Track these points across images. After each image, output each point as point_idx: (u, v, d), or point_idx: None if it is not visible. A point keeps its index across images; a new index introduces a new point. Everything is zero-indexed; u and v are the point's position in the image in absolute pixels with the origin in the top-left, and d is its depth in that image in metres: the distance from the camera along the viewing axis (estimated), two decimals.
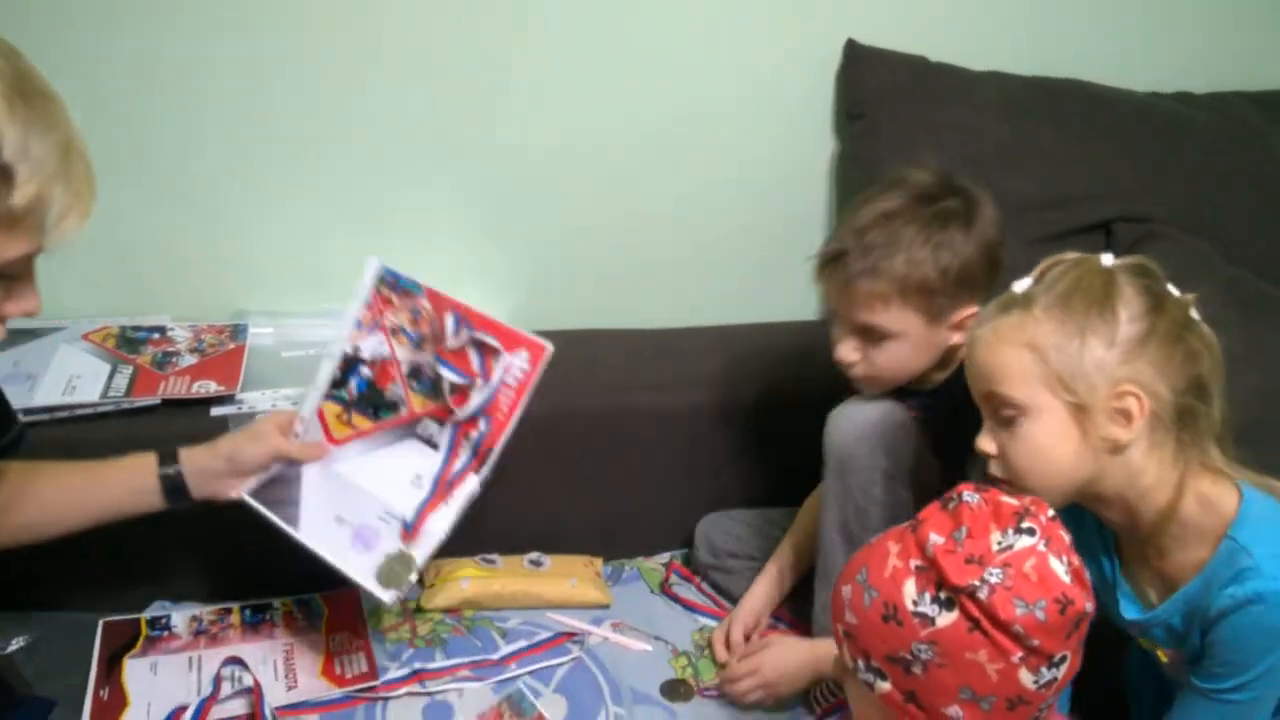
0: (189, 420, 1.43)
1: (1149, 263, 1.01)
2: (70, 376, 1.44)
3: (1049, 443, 0.97)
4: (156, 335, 1.57)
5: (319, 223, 1.66)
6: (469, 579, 1.49)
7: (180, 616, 1.41)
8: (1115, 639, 1.15)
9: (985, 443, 1.02)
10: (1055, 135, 1.71)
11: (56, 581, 1.40)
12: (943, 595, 0.82)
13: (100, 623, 1.38)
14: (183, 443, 1.27)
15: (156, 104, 1.53)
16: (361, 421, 1.27)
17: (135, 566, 1.44)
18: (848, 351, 1.29)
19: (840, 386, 1.60)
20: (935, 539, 0.83)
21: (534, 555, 1.57)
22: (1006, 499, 0.86)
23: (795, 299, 1.92)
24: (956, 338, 1.25)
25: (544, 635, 1.45)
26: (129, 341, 1.55)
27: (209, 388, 1.46)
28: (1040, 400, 0.97)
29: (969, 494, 0.86)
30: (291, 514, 1.25)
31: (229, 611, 1.43)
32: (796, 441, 1.67)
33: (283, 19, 1.52)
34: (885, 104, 1.70)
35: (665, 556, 1.66)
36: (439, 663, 1.38)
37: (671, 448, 1.64)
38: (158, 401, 1.43)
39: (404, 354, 1.25)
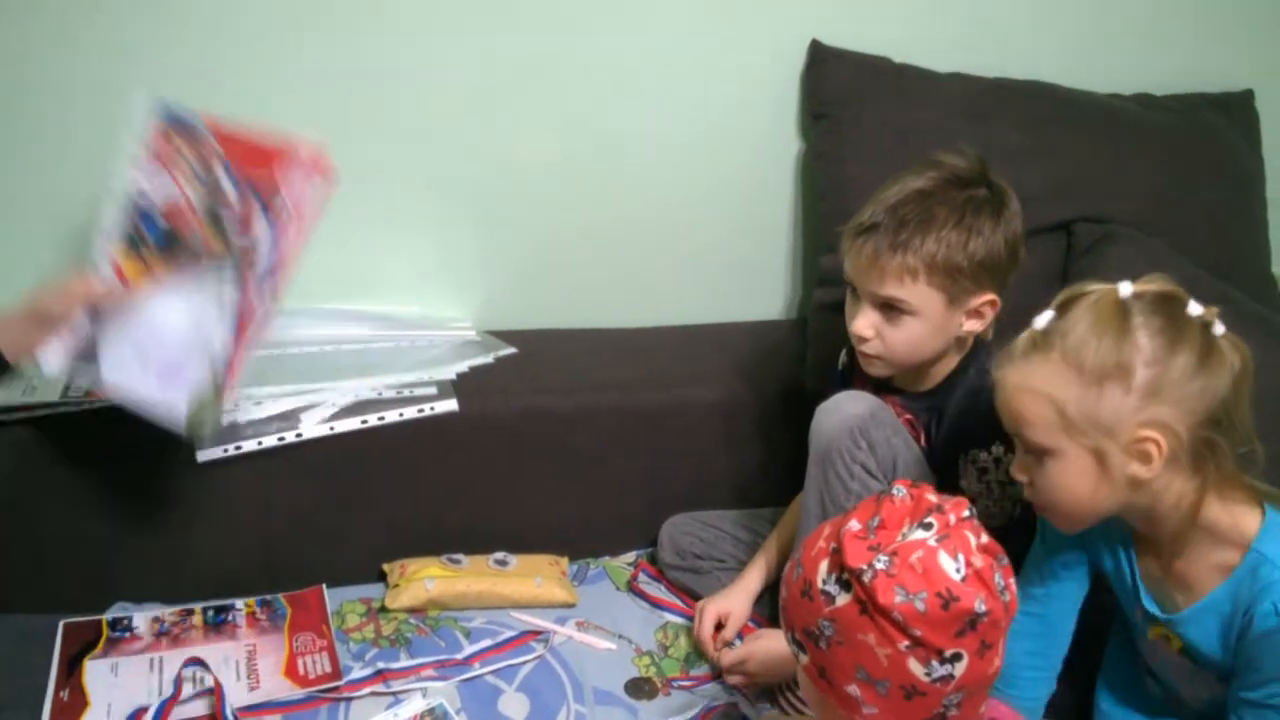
0: (148, 422, 1.41)
1: (1168, 286, 1.01)
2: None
3: (1072, 482, 1.01)
4: None
5: None
6: (434, 579, 1.49)
7: (142, 618, 1.41)
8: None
9: (1018, 472, 1.07)
10: (1017, 136, 1.72)
11: (15, 583, 1.39)
12: (843, 576, 0.86)
13: (61, 624, 1.37)
14: (147, 449, 1.26)
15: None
16: (159, 267, 1.26)
17: (96, 567, 1.43)
18: (864, 326, 1.29)
19: (806, 387, 1.64)
20: (853, 525, 0.88)
21: (499, 554, 1.57)
22: (930, 496, 0.89)
23: (763, 298, 1.93)
24: (970, 324, 1.28)
25: (508, 634, 1.46)
26: None
27: None
28: (1063, 444, 1.00)
29: (898, 488, 0.90)
30: (92, 369, 1.25)
31: (191, 612, 1.43)
32: (764, 442, 1.69)
33: (267, 20, 1.52)
34: (849, 104, 1.70)
35: (631, 556, 1.67)
36: (403, 662, 1.39)
37: (638, 447, 1.64)
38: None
39: (198, 197, 1.25)
